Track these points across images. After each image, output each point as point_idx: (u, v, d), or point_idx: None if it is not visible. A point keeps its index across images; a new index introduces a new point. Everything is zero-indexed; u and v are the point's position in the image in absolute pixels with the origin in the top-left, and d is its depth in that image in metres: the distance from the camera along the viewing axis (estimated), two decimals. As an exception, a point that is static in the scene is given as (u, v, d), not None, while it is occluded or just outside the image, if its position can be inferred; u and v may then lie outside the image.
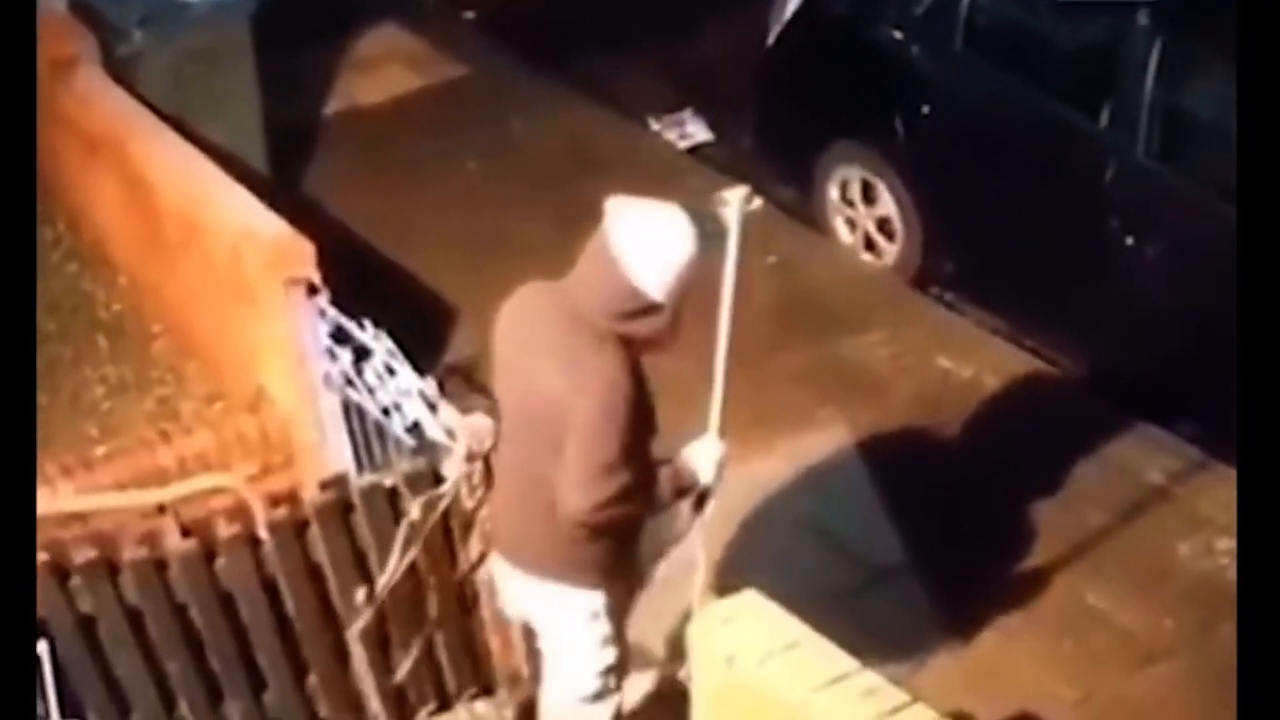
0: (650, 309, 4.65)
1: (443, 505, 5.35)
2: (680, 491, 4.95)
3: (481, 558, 5.42)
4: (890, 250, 8.31)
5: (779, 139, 8.85)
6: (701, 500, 5.03)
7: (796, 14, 8.69)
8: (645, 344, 4.75)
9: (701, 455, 4.97)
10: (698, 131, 9.61)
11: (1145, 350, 7.33)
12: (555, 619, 5.08)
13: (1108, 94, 7.34)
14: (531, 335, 4.80)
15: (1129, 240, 7.22)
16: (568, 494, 4.63)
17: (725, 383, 5.05)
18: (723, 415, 5.04)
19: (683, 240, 4.66)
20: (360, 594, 5.39)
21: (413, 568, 5.39)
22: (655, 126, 9.61)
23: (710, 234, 4.83)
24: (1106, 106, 7.34)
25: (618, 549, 4.94)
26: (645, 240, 4.65)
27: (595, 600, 4.98)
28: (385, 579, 5.35)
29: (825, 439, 7.12)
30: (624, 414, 4.63)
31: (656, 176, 8.77)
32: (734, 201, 4.91)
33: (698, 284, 4.74)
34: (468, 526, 5.43)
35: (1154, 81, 7.12)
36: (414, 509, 5.29)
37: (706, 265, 4.76)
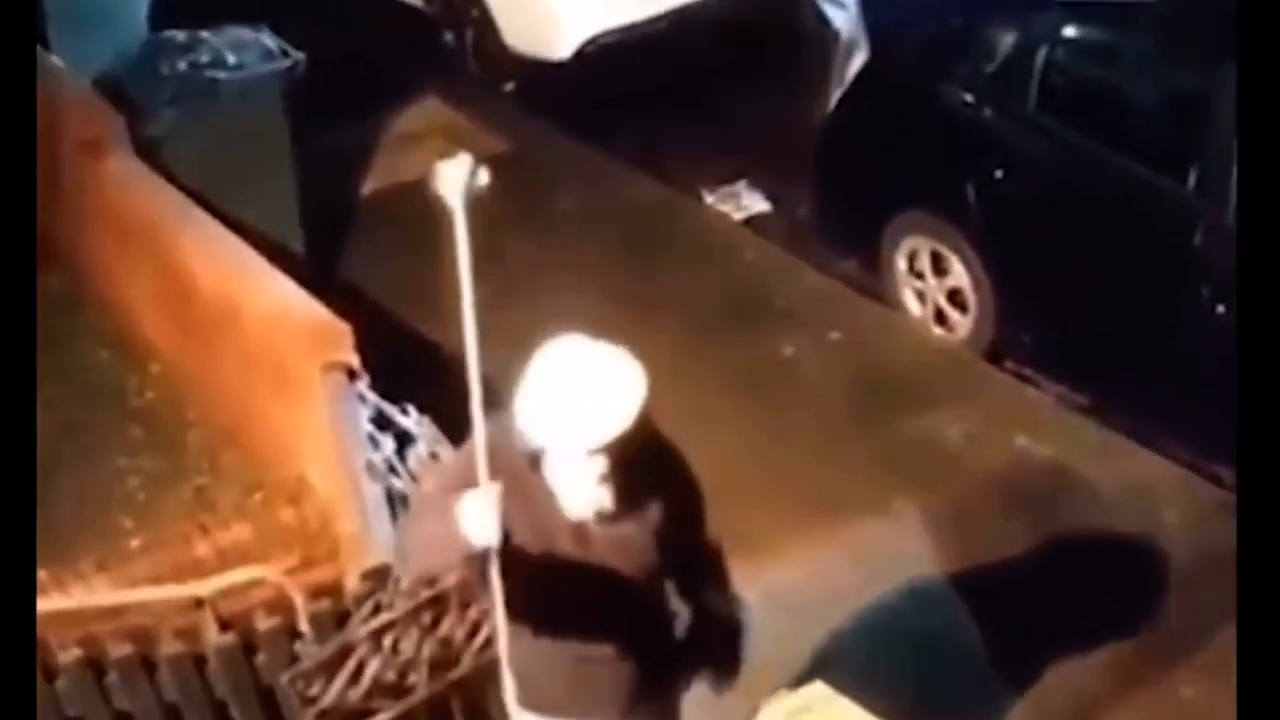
0: None
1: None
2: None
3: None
4: (963, 323, 8.39)
5: (841, 209, 8.97)
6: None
7: (858, 77, 8.82)
8: None
9: (471, 511, 4.39)
10: (754, 203, 9.71)
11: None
12: None
13: (1195, 153, 7.38)
14: None
15: (1220, 309, 7.25)
16: None
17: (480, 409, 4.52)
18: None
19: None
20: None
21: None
22: (709, 199, 9.73)
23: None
24: (1194, 167, 7.38)
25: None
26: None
27: None
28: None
29: (897, 525, 7.21)
30: None
31: (711, 251, 8.94)
32: (451, 177, 4.48)
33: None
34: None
35: (1245, 141, 7.22)
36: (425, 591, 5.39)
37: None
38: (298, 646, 5.53)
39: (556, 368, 4.49)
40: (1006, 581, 6.97)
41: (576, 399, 4.40)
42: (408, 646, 5.46)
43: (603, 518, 4.52)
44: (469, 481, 4.43)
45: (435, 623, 5.49)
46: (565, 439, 4.40)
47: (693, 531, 4.80)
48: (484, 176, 4.48)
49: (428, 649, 5.48)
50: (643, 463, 4.48)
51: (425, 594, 5.42)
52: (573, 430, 4.39)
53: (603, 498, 4.49)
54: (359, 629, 5.40)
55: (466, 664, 5.54)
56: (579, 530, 4.54)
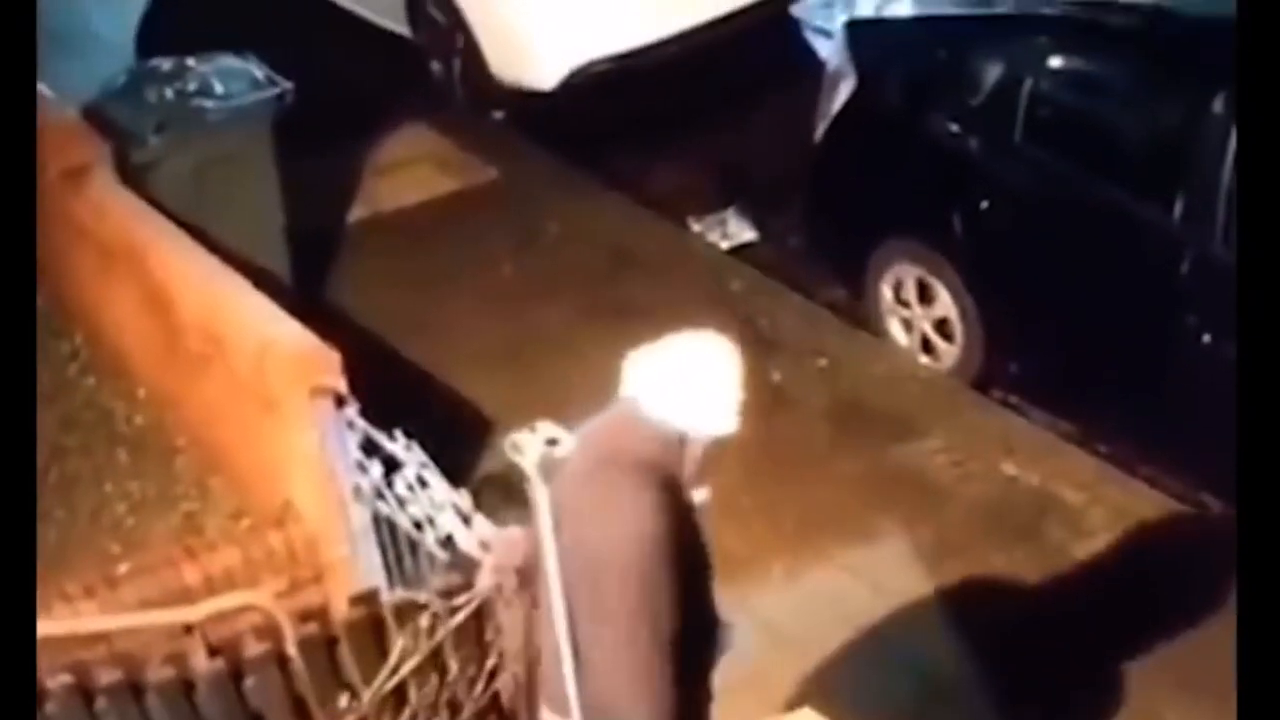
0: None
1: (463, 615, 5.48)
2: None
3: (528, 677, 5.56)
4: (949, 352, 8.45)
5: (829, 237, 9.05)
6: None
7: (845, 107, 8.85)
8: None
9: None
10: (741, 231, 9.79)
11: (1224, 455, 7.43)
12: None
13: (1182, 184, 7.42)
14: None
15: (1206, 338, 7.29)
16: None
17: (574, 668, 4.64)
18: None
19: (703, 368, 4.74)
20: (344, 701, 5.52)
21: (444, 683, 5.54)
22: (697, 227, 9.80)
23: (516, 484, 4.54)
24: (1180, 197, 7.41)
25: None
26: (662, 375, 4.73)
27: None
28: (373, 690, 5.47)
29: (884, 549, 7.26)
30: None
31: (699, 279, 9.00)
32: (529, 446, 4.42)
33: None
34: (500, 638, 5.57)
35: (1232, 170, 7.18)
36: (422, 620, 5.43)
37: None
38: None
39: (695, 358, 4.76)
40: (994, 608, 7.04)
41: (721, 386, 4.74)
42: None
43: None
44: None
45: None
46: (713, 421, 4.73)
47: None
48: (564, 444, 4.48)
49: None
50: None
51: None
52: (720, 412, 4.73)
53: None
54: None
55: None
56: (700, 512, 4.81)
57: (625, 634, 4.61)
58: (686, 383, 4.73)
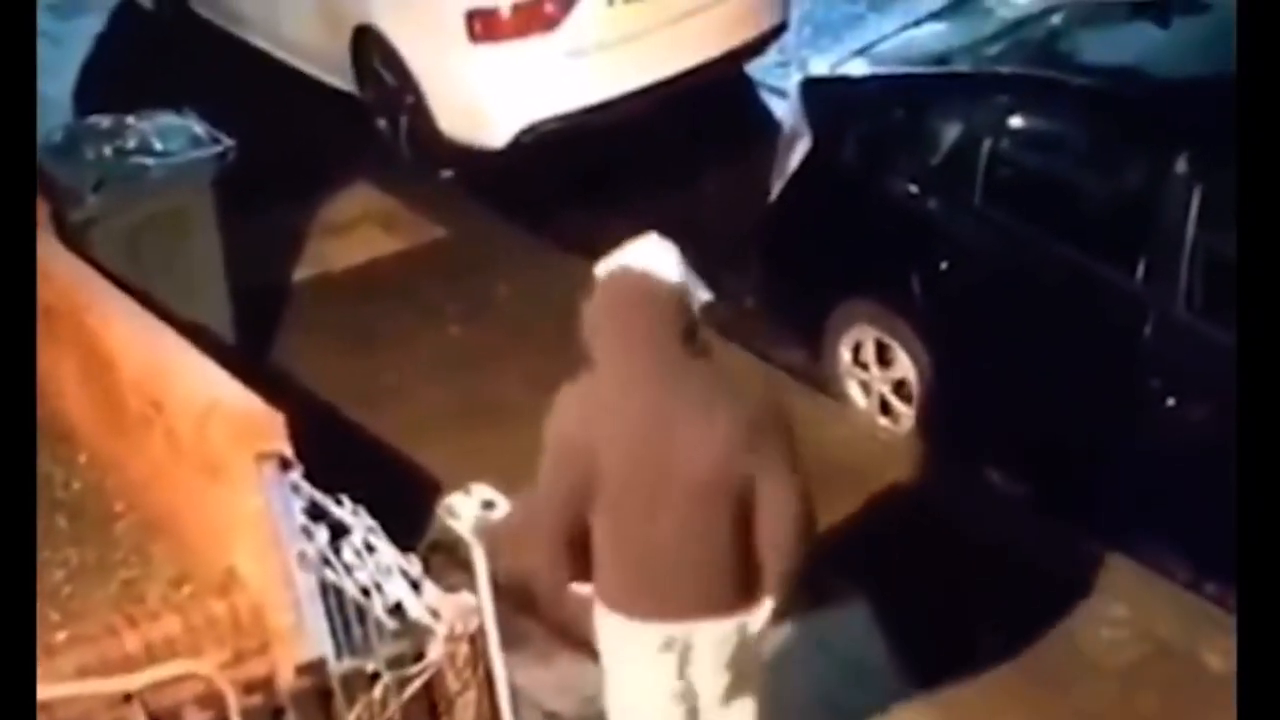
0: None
1: (415, 686, 5.45)
2: None
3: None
4: (908, 414, 8.46)
5: (785, 298, 9.06)
6: None
7: (802, 166, 8.85)
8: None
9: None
10: (696, 290, 9.75)
11: (1187, 521, 7.46)
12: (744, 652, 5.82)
13: (1143, 245, 7.43)
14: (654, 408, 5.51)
15: (1170, 401, 7.32)
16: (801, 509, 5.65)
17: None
18: None
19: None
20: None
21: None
22: (650, 289, 9.79)
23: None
24: (1142, 258, 7.43)
25: None
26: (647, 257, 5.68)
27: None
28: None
29: (842, 609, 7.29)
30: None
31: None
32: (464, 510, 4.71)
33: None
34: (452, 709, 5.54)
35: (1195, 231, 7.22)
36: (375, 691, 5.40)
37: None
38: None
39: (650, 246, 5.87)
40: (949, 658, 7.06)
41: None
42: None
43: None
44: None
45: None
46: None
47: None
48: (500, 508, 4.85)
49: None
50: None
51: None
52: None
53: None
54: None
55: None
56: None
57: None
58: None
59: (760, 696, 6.00)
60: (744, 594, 5.73)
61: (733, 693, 5.90)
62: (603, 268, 5.68)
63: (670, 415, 5.50)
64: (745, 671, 5.90)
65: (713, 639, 5.76)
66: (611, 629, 5.76)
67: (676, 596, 5.66)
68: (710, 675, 5.83)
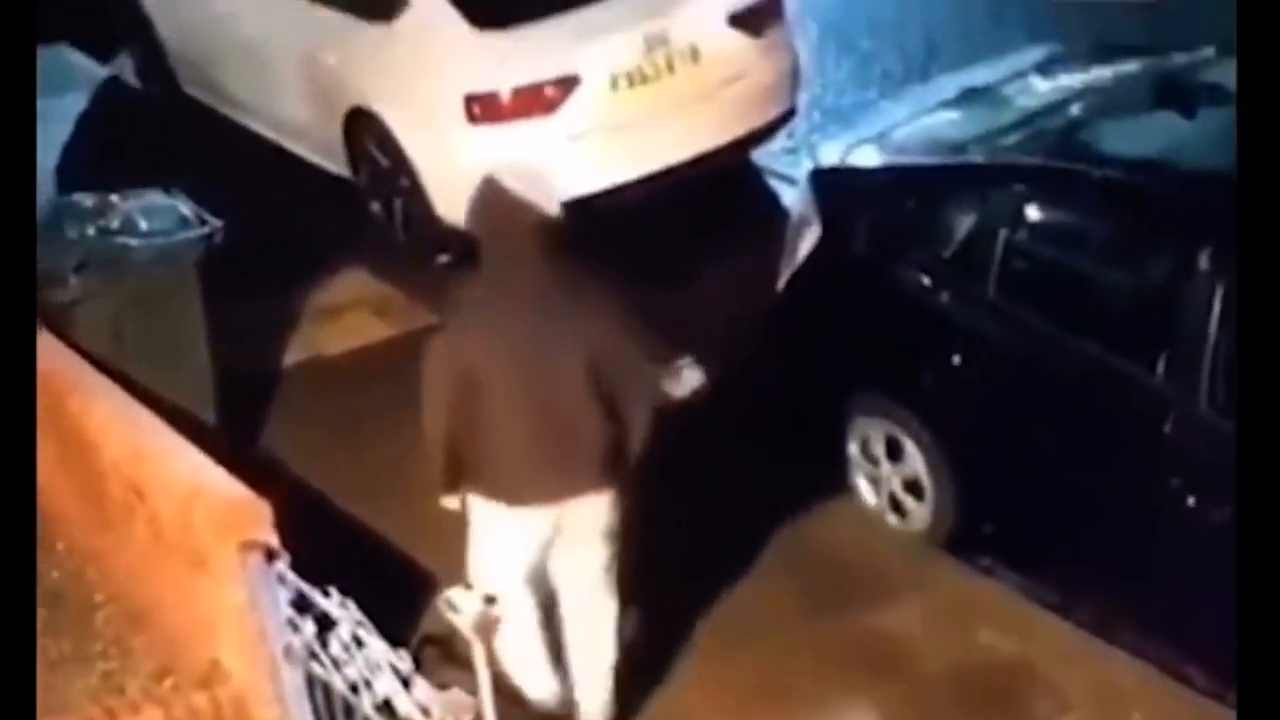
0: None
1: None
2: None
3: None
4: (920, 512, 8.39)
5: (791, 391, 8.98)
6: None
7: (810, 257, 8.85)
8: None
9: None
10: (697, 381, 9.73)
11: (1211, 625, 7.36)
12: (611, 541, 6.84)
13: (1164, 341, 7.39)
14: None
15: (1191, 501, 7.25)
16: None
17: None
18: None
19: None
20: None
21: None
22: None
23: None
24: (1163, 355, 7.38)
25: None
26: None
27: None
28: None
29: (850, 720, 7.18)
30: None
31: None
32: (465, 604, 4.63)
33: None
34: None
35: (1217, 328, 7.17)
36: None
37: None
38: None
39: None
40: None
41: None
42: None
43: None
44: None
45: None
46: None
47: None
48: (496, 612, 5.00)
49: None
50: None
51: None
52: None
53: None
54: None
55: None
56: None
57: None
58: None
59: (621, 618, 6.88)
60: (610, 472, 6.74)
61: (596, 591, 6.88)
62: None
63: (539, 322, 6.65)
64: (609, 566, 6.88)
65: (586, 517, 6.74)
66: (488, 518, 6.80)
67: (554, 476, 6.68)
68: (581, 559, 6.84)
